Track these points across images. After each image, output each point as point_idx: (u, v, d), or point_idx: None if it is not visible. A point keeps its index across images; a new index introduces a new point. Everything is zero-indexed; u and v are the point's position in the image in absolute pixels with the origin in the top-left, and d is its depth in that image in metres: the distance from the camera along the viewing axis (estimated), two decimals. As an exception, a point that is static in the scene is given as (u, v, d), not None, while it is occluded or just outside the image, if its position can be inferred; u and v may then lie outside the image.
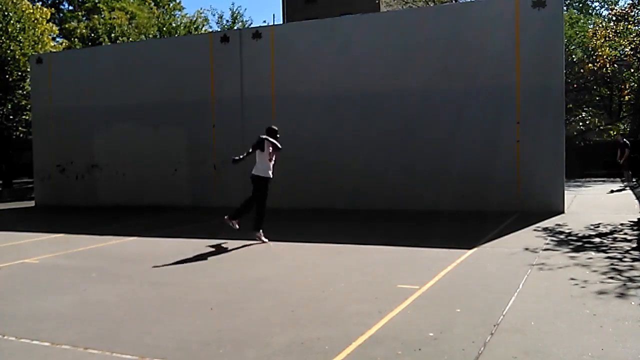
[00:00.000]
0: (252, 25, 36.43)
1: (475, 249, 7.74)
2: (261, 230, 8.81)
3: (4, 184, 26.16)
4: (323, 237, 8.91)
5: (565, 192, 11.94)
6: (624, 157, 17.02)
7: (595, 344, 4.00)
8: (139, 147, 15.33)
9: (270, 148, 8.66)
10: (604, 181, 20.32)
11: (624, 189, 16.26)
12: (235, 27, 38.46)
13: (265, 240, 8.72)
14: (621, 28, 17.22)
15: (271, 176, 8.79)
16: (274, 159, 8.81)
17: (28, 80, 22.29)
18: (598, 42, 18.33)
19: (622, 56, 20.90)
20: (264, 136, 8.72)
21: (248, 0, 75.85)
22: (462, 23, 12.42)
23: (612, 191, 15.96)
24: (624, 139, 17.88)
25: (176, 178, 14.91)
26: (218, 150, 14.55)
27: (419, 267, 6.72)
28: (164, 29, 33.18)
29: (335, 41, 13.40)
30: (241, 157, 8.66)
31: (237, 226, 8.97)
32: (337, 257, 7.66)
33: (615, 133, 28.78)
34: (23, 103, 23.79)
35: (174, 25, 33.76)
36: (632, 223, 9.71)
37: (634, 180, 17.75)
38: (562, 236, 8.70)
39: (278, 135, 8.90)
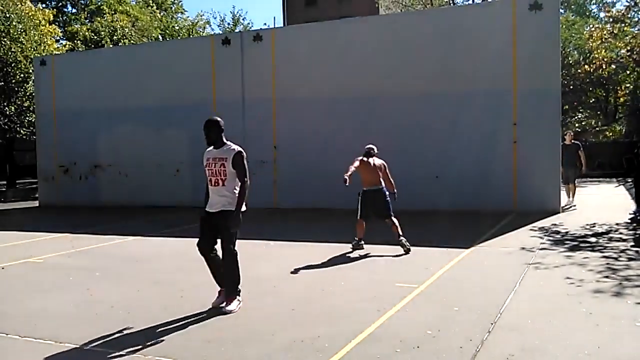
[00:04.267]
0: (252, 28, 36.56)
1: (472, 249, 7.83)
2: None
3: (8, 185, 26.24)
4: (323, 237, 8.98)
5: (562, 192, 12.02)
6: (583, 162, 12.71)
7: (591, 342, 4.07)
8: (142, 148, 15.42)
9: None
10: (599, 181, 20.39)
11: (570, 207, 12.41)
12: (237, 30, 38.57)
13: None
14: (617, 30, 17.19)
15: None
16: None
17: (31, 82, 22.35)
18: (594, 44, 18.37)
19: (619, 58, 20.91)
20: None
21: (248, 3, 76.12)
22: (459, 26, 12.50)
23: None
24: (574, 140, 13.10)
25: (178, 179, 14.99)
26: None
27: (418, 266, 6.79)
28: (167, 31, 33.23)
29: (335, 44, 13.50)
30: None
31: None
32: (336, 256, 7.73)
33: (611, 134, 28.21)
34: (26, 105, 23.86)
35: (176, 28, 33.82)
36: (627, 223, 9.79)
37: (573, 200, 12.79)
38: (558, 236, 8.78)
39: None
